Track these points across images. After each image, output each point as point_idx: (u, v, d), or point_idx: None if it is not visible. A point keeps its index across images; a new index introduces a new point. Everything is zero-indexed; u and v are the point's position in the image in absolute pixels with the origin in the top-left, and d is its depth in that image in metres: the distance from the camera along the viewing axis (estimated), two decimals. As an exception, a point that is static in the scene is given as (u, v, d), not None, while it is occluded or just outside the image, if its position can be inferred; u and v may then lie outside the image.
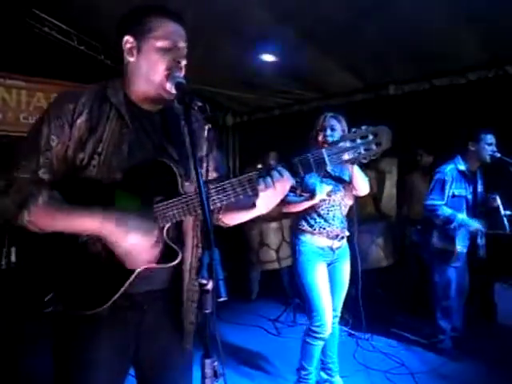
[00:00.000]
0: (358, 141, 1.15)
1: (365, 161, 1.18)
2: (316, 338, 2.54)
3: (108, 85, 1.26)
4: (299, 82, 5.04)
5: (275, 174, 1.16)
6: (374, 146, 1.15)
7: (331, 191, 2.55)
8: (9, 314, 3.29)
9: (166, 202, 1.18)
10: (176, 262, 1.21)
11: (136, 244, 1.12)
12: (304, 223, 2.60)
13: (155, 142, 1.27)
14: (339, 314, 2.71)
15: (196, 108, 1.09)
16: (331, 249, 2.59)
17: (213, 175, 1.37)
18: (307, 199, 2.51)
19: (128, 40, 1.23)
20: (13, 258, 4.04)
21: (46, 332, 1.27)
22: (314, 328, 2.53)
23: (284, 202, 2.58)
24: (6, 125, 4.60)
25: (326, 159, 1.14)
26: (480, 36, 3.49)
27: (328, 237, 2.58)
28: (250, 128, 6.44)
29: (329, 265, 2.63)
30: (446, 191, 3.14)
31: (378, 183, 4.95)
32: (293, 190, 2.56)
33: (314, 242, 2.57)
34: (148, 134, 1.26)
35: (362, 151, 1.15)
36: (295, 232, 2.67)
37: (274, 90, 5.37)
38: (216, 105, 6.16)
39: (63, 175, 1.20)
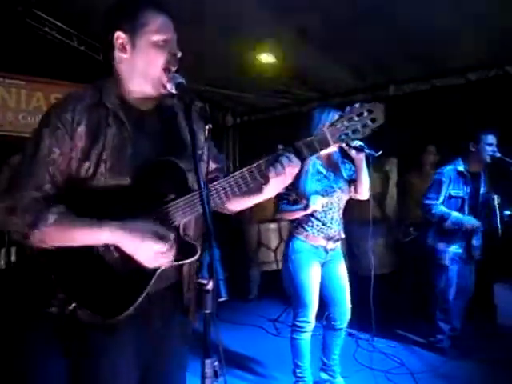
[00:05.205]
0: (355, 118, 1.19)
1: (361, 136, 1.21)
2: (301, 332, 2.60)
3: (101, 87, 1.23)
4: (299, 82, 5.04)
5: (284, 159, 1.18)
6: (369, 122, 1.19)
7: (328, 196, 2.53)
8: (8, 315, 3.27)
9: (178, 200, 1.19)
10: (196, 257, 1.21)
11: (153, 249, 1.12)
12: (302, 226, 2.60)
13: (156, 141, 1.26)
14: (348, 317, 2.68)
15: (196, 109, 1.08)
16: (325, 249, 2.60)
17: (212, 166, 1.36)
18: (300, 210, 2.51)
19: (119, 36, 1.18)
20: (13, 258, 4.04)
21: (47, 334, 1.26)
22: (298, 323, 2.61)
23: (277, 209, 2.62)
24: (6, 125, 4.60)
25: (329, 139, 1.18)
26: (480, 36, 3.49)
27: (324, 237, 2.58)
28: (249, 128, 6.43)
29: (322, 266, 2.63)
30: (443, 192, 3.21)
31: (382, 184, 4.91)
32: (285, 197, 2.56)
33: (309, 240, 2.58)
34: (148, 135, 1.25)
35: (360, 128, 1.19)
36: (291, 231, 2.67)
37: (273, 90, 5.37)
38: (216, 105, 6.16)
39: (67, 187, 1.17)
